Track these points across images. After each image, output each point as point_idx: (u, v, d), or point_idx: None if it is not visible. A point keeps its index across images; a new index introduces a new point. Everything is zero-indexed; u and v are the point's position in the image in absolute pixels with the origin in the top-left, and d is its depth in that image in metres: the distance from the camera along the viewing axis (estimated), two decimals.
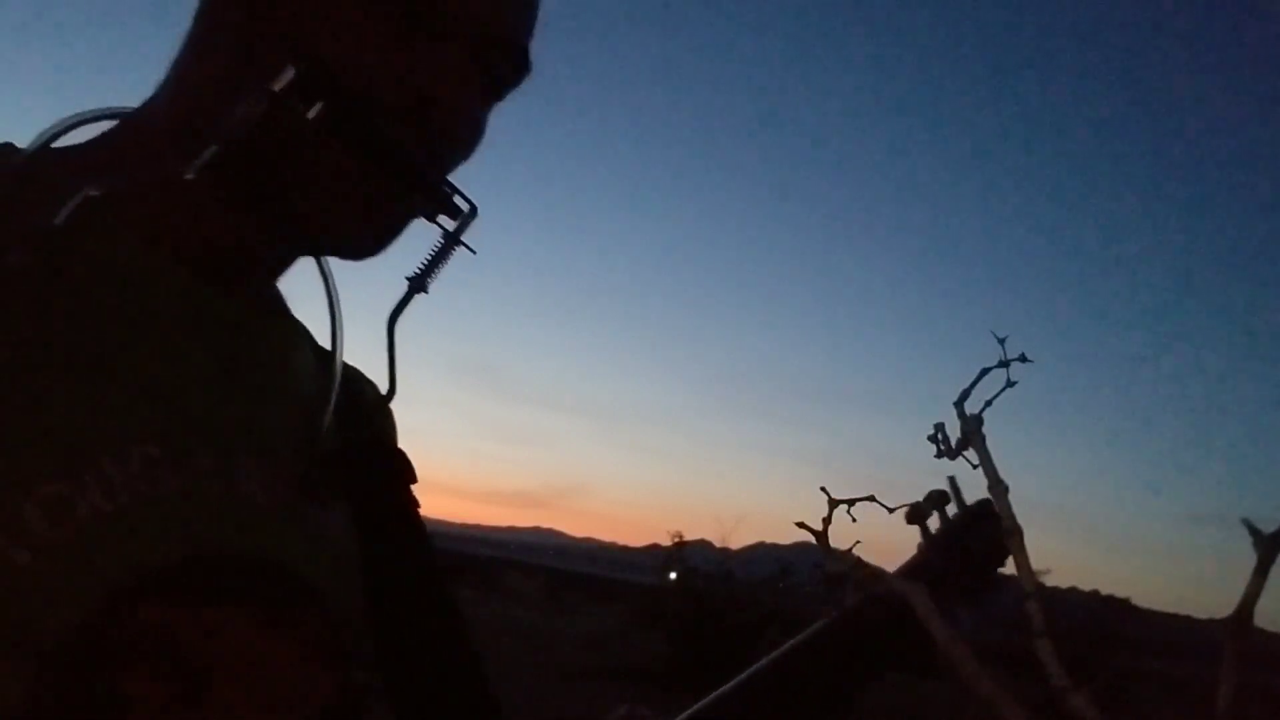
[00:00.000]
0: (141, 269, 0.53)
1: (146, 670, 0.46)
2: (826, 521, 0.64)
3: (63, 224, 0.49)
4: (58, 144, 0.54)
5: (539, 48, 0.61)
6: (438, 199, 0.56)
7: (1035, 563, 0.68)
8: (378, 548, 0.63)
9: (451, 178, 0.59)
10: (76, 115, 0.55)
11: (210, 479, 0.52)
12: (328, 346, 0.65)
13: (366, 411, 0.68)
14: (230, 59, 0.55)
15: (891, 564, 0.84)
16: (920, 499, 0.86)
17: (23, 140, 0.54)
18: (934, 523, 0.87)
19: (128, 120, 0.57)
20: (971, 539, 0.84)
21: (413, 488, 0.69)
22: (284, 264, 0.62)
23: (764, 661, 0.83)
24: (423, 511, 0.70)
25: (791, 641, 0.84)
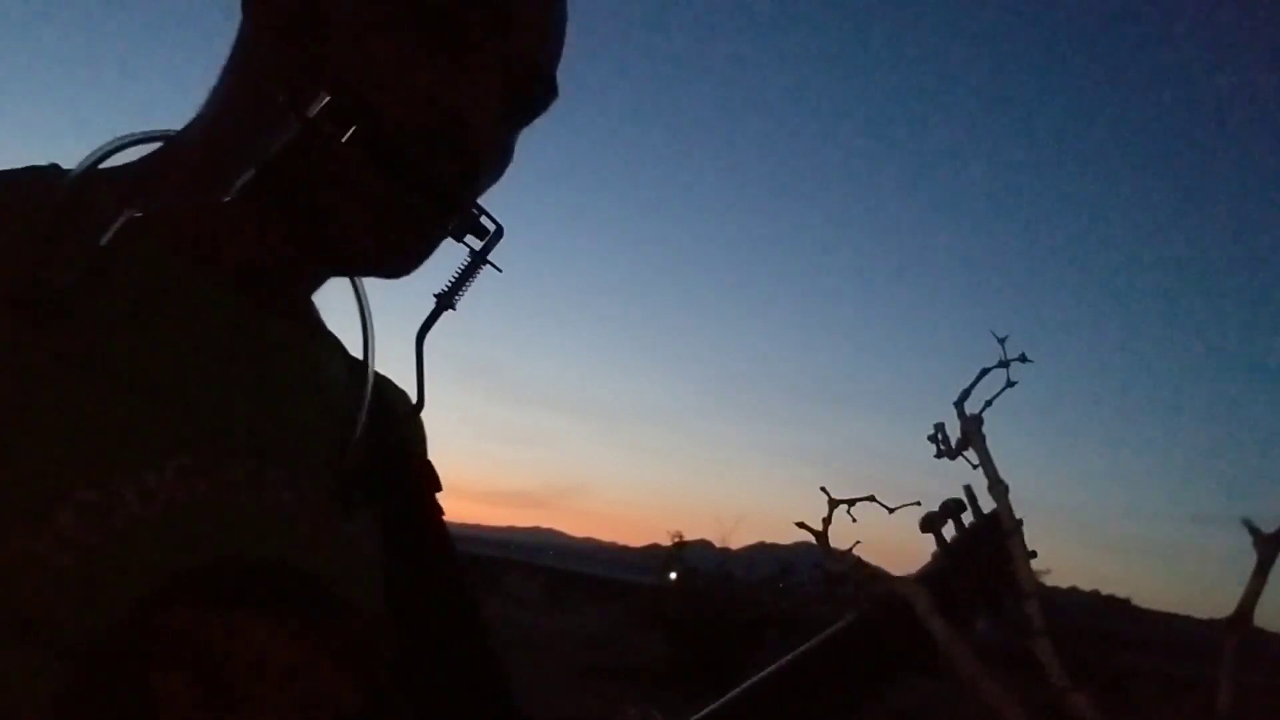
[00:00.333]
0: (180, 286, 0.55)
1: (175, 672, 0.47)
2: (826, 521, 0.64)
3: (106, 244, 0.51)
4: (104, 165, 0.56)
5: None
6: (466, 220, 0.58)
7: (1035, 563, 0.68)
8: (402, 555, 0.64)
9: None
10: (121, 138, 0.57)
11: (241, 488, 0.53)
12: (360, 359, 0.67)
13: (396, 422, 0.69)
14: (266, 85, 0.56)
15: (891, 564, 0.84)
16: (931, 506, 0.85)
17: (70, 162, 0.56)
18: (948, 531, 0.86)
19: (170, 143, 0.60)
20: (989, 547, 0.83)
21: (438, 496, 0.71)
22: (319, 280, 0.64)
23: (779, 663, 0.83)
24: (444, 520, 0.71)
25: (808, 644, 0.84)
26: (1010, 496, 0.69)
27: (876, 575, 0.67)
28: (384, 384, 0.70)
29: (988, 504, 0.85)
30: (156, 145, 0.60)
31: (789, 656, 0.83)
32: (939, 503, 0.85)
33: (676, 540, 12.17)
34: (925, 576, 0.84)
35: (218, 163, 0.56)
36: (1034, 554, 0.83)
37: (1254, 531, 0.51)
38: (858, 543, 0.65)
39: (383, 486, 0.64)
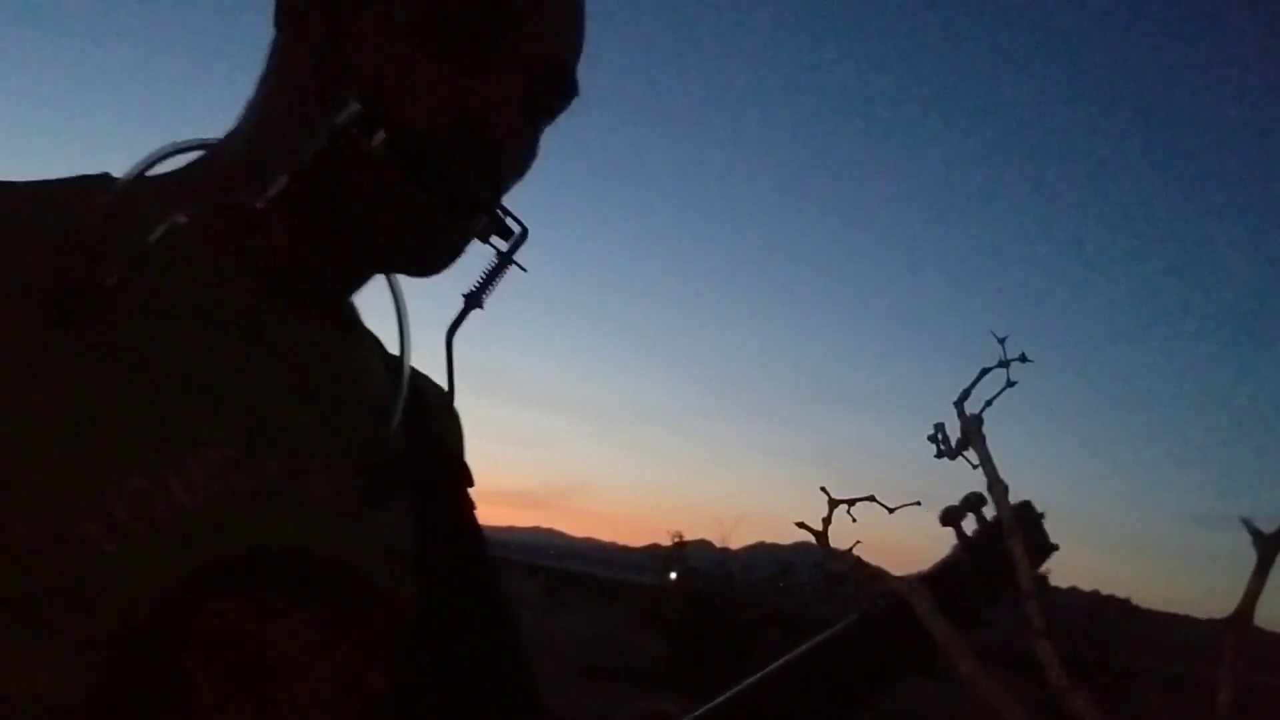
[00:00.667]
0: (221, 287, 0.58)
1: (211, 657, 0.49)
2: (826, 521, 0.64)
3: (153, 247, 0.54)
4: (152, 173, 0.60)
5: None
6: (491, 222, 0.61)
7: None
8: (433, 548, 0.66)
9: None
10: (166, 147, 0.61)
11: (277, 480, 0.56)
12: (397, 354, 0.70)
13: (433, 418, 0.72)
14: (298, 95, 0.59)
15: (891, 564, 0.84)
16: (930, 506, 0.85)
17: (119, 169, 0.59)
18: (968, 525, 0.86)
19: (212, 151, 0.63)
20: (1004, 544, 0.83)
21: (471, 493, 0.73)
22: (358, 280, 0.67)
23: (780, 661, 0.83)
24: (477, 517, 0.73)
25: (809, 642, 0.84)
26: (1010, 497, 0.69)
27: (876, 575, 0.67)
28: (421, 380, 0.71)
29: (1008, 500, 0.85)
30: (200, 153, 0.63)
31: (790, 655, 0.83)
32: (937, 505, 0.85)
33: (676, 540, 12.18)
34: (945, 569, 0.85)
35: (255, 170, 0.58)
36: (1056, 547, 0.83)
37: (1254, 531, 0.51)
38: (858, 543, 0.65)
39: (416, 481, 0.66)
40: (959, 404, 0.68)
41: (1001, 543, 0.82)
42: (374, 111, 0.55)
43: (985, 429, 0.67)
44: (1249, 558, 0.51)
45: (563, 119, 0.66)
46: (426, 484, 0.67)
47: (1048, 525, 0.86)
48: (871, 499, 0.66)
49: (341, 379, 0.64)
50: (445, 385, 0.69)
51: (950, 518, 0.84)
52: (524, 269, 0.62)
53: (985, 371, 0.68)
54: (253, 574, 0.52)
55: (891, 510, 0.69)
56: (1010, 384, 0.68)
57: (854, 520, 0.65)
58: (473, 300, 0.62)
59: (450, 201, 0.58)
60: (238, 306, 0.58)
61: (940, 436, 0.68)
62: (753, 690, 0.81)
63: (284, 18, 0.61)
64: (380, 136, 0.55)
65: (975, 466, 0.67)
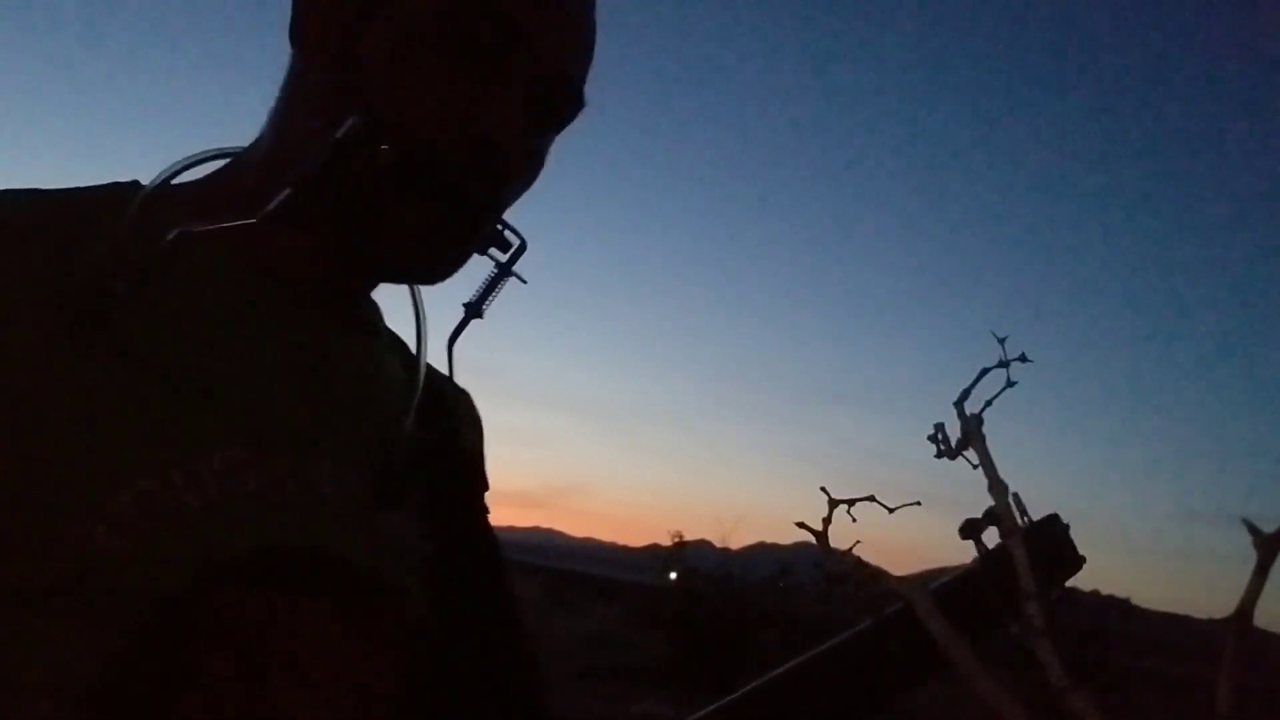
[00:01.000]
0: (235, 292, 0.60)
1: (216, 648, 0.50)
2: (826, 521, 0.64)
3: (167, 253, 0.55)
4: (179, 181, 0.62)
5: None
6: (490, 235, 0.62)
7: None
8: (444, 548, 0.66)
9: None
10: (190, 157, 0.63)
11: (288, 479, 0.57)
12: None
13: (450, 419, 0.73)
14: (310, 107, 0.61)
15: (891, 564, 0.84)
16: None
17: (147, 177, 0.62)
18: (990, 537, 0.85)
19: (235, 160, 0.65)
20: (1035, 552, 0.82)
21: (485, 496, 0.74)
22: (369, 284, 0.69)
23: (791, 664, 0.82)
24: (489, 520, 0.74)
25: (821, 646, 0.83)
26: (1009, 497, 0.69)
27: (876, 575, 0.67)
28: (440, 381, 0.72)
29: (1034, 508, 0.83)
30: (224, 161, 0.65)
31: (800, 659, 0.82)
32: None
33: (676, 540, 12.16)
34: (964, 579, 0.84)
35: (269, 180, 0.59)
36: (1084, 559, 0.81)
37: (1254, 531, 0.51)
38: (858, 543, 0.65)
39: (430, 482, 0.67)
40: (959, 404, 0.68)
41: (1019, 550, 0.82)
42: (378, 125, 0.56)
43: (985, 429, 0.67)
44: (1249, 557, 0.51)
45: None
46: (440, 486, 0.68)
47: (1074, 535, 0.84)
48: (871, 499, 0.66)
49: (356, 380, 0.65)
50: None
51: (971, 530, 0.83)
52: (523, 280, 0.64)
53: (985, 371, 0.68)
54: (260, 570, 0.53)
55: (891, 510, 0.69)
56: (1010, 384, 0.68)
57: (854, 520, 0.65)
58: (473, 310, 0.64)
59: (453, 213, 0.59)
60: (251, 310, 0.60)
61: (940, 436, 0.68)
62: (756, 694, 0.80)
63: (297, 32, 0.62)
64: (385, 149, 0.56)
65: (975, 466, 0.67)
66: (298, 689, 0.52)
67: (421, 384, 0.69)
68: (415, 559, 0.63)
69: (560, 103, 0.64)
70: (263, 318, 0.61)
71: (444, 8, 0.58)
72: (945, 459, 0.68)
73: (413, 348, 0.71)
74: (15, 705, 0.47)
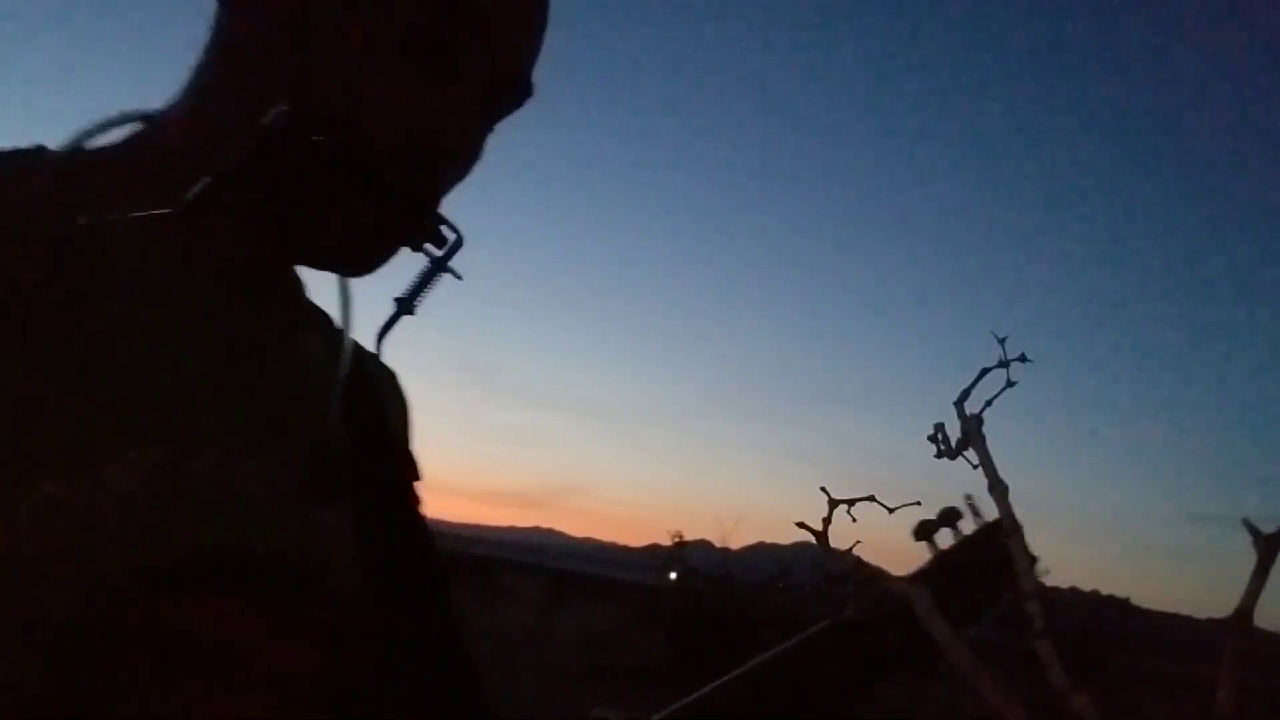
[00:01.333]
0: (155, 280, 0.56)
1: (139, 657, 0.47)
2: (826, 521, 0.64)
3: (77, 237, 0.52)
4: (91, 145, 0.58)
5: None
6: (425, 230, 0.59)
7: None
8: (376, 542, 0.64)
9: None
10: (105, 120, 0.58)
11: (211, 478, 0.54)
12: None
13: (380, 407, 0.70)
14: (240, 83, 0.57)
15: (891, 564, 0.84)
16: (931, 507, 0.84)
17: (53, 142, 0.57)
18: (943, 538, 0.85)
19: (152, 126, 0.60)
20: (980, 557, 0.82)
21: (417, 485, 0.71)
22: (294, 265, 0.65)
23: (766, 655, 0.82)
24: (423, 511, 0.71)
25: (798, 637, 0.83)
26: (1010, 497, 0.70)
27: (876, 575, 0.67)
28: (370, 363, 0.69)
29: (989, 508, 0.84)
30: (138, 126, 0.60)
31: (772, 652, 0.82)
32: (937, 505, 0.84)
33: (676, 540, 12.17)
34: (932, 568, 0.84)
35: (188, 160, 0.56)
36: (1036, 559, 0.82)
37: (1254, 531, 0.51)
38: (858, 543, 0.65)
39: (360, 474, 0.64)
40: (959, 404, 0.68)
41: (976, 557, 0.82)
42: (311, 114, 0.53)
43: (985, 429, 0.67)
44: (1249, 558, 0.51)
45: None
46: (370, 479, 0.66)
47: (1044, 525, 0.85)
48: (871, 499, 0.66)
49: (282, 370, 0.63)
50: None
51: (923, 532, 0.83)
52: (459, 276, 0.60)
53: (985, 371, 0.68)
54: (180, 573, 0.50)
55: (891, 510, 0.69)
56: (1010, 384, 0.68)
57: (854, 520, 0.65)
58: (404, 306, 0.61)
59: (391, 209, 0.57)
60: (173, 299, 0.57)
61: (940, 436, 0.68)
62: (721, 690, 0.80)
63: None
64: (307, 141, 0.53)
65: (975, 466, 0.67)
66: (228, 689, 0.49)
67: (347, 371, 0.66)
68: (346, 553, 0.61)
69: (510, 94, 0.61)
70: (184, 306, 0.57)
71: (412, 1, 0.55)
72: (945, 459, 0.68)
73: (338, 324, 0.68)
74: None
